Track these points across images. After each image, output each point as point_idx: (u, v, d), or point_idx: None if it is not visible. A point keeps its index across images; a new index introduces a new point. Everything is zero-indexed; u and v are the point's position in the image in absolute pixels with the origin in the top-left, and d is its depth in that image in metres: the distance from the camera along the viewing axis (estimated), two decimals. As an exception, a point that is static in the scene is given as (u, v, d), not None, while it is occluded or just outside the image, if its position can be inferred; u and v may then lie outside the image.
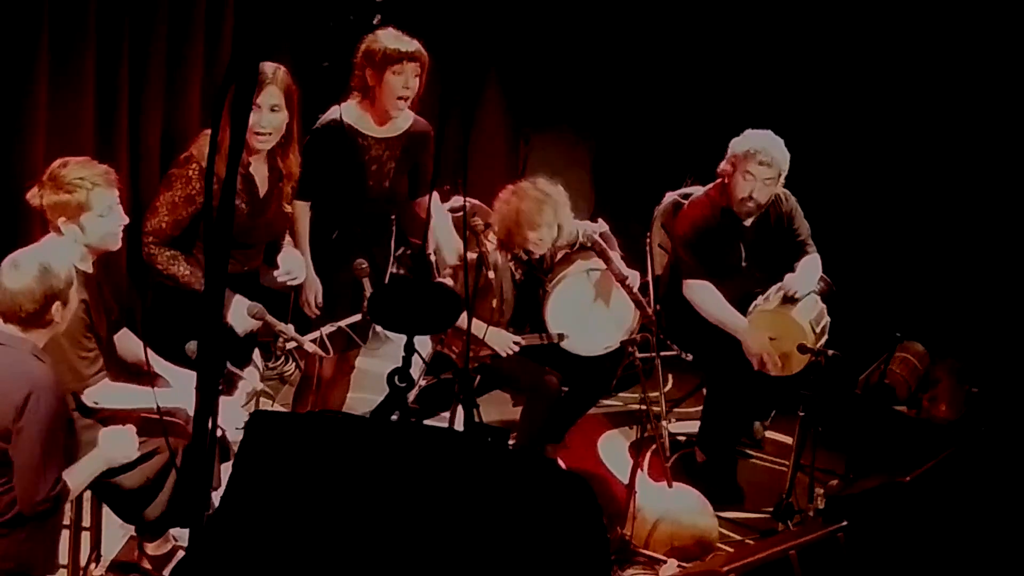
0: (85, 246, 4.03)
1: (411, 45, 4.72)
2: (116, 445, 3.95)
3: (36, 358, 3.69)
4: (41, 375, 3.65)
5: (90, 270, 4.08)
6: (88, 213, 3.97)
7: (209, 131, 4.19)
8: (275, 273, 4.64)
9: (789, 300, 5.21)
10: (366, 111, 4.78)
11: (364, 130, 4.77)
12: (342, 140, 4.69)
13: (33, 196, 4.02)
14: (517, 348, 5.08)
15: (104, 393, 4.07)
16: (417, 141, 4.88)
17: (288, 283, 4.67)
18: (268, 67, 4.33)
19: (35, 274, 3.65)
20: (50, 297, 3.67)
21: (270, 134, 4.38)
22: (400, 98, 4.71)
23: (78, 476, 3.84)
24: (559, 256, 5.32)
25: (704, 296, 5.31)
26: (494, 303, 5.04)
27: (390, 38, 4.73)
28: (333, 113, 4.75)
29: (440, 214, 5.16)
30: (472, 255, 4.91)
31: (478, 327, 4.98)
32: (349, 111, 4.75)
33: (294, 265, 4.65)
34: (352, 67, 4.78)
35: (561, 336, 5.14)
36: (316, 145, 4.70)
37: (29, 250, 3.80)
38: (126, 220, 4.12)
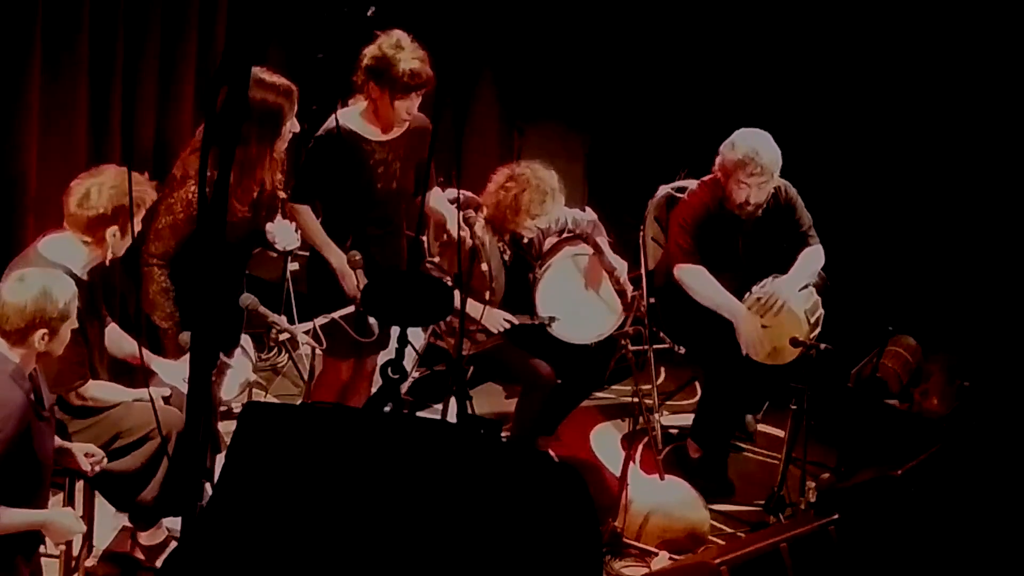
0: (112, 253, 4.06)
1: (425, 70, 4.57)
2: (60, 524, 3.82)
3: (13, 382, 3.59)
4: (9, 402, 3.56)
5: (86, 277, 4.06)
6: (137, 217, 4.04)
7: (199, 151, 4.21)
8: (270, 239, 4.62)
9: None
10: (369, 118, 4.69)
11: (368, 135, 4.69)
12: (347, 147, 4.64)
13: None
14: (508, 325, 5.07)
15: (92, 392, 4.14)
16: (418, 136, 4.79)
17: (284, 250, 4.67)
18: (291, 86, 4.38)
19: (34, 294, 3.60)
20: (39, 322, 3.60)
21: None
22: (403, 120, 4.67)
23: (11, 519, 3.65)
24: (549, 244, 5.33)
25: (697, 279, 5.25)
26: (484, 276, 5.04)
27: (407, 59, 4.55)
28: (334, 120, 4.71)
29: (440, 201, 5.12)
30: (466, 243, 4.90)
31: (475, 308, 4.97)
32: (352, 117, 4.69)
33: (282, 234, 4.61)
34: (356, 64, 4.63)
35: (552, 319, 5.13)
36: (320, 152, 4.65)
37: (40, 270, 3.75)
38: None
